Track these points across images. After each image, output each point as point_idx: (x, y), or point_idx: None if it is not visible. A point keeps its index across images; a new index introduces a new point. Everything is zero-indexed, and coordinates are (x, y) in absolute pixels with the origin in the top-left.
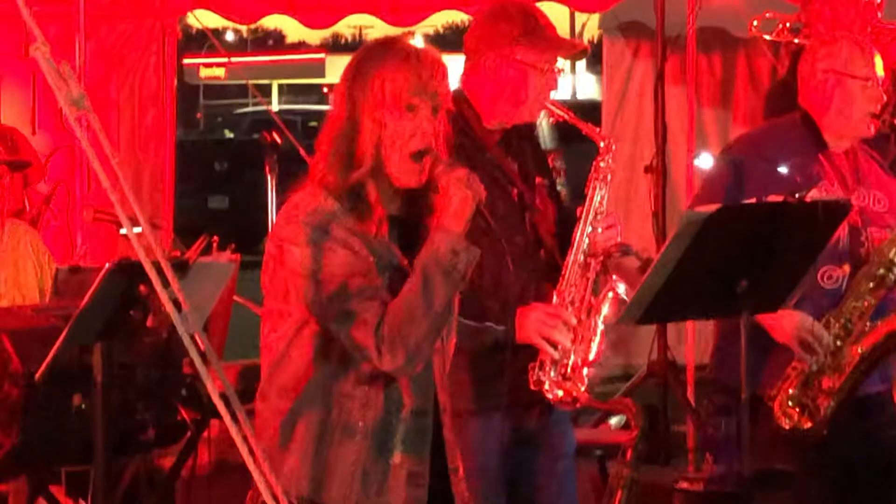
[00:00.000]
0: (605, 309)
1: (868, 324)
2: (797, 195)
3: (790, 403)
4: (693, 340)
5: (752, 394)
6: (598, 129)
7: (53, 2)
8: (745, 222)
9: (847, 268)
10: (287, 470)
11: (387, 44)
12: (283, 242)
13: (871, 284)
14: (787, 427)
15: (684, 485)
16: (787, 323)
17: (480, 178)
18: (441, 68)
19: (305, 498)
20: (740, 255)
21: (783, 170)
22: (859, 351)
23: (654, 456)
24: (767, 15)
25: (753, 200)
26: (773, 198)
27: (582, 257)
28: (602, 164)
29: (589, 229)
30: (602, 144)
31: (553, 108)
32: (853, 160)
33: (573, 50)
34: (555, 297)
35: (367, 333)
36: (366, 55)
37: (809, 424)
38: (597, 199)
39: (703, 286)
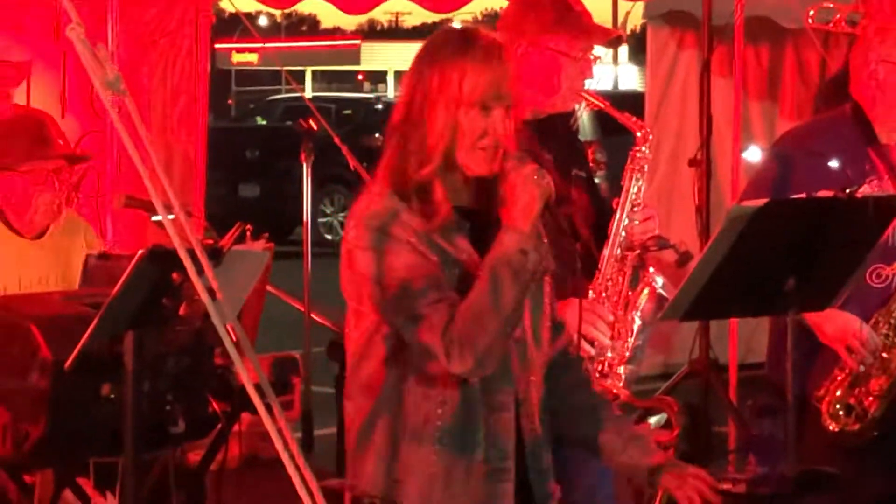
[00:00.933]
0: (643, 304)
1: None
2: (847, 190)
3: (837, 406)
4: (736, 339)
5: (798, 394)
6: (634, 119)
7: None
8: (793, 218)
9: None
10: (366, 470)
11: (467, 36)
12: (351, 247)
13: None
14: (834, 429)
15: (726, 485)
16: (833, 325)
17: None
18: (514, 67)
19: (384, 498)
20: (788, 251)
21: (833, 164)
22: None
23: (694, 456)
24: (826, 5)
25: (803, 195)
26: (822, 193)
27: (619, 251)
28: (639, 155)
29: (626, 222)
30: (639, 134)
31: (589, 97)
32: None
33: (606, 37)
34: (591, 293)
35: (435, 336)
36: (443, 45)
37: (857, 427)
38: (633, 190)
39: (749, 283)
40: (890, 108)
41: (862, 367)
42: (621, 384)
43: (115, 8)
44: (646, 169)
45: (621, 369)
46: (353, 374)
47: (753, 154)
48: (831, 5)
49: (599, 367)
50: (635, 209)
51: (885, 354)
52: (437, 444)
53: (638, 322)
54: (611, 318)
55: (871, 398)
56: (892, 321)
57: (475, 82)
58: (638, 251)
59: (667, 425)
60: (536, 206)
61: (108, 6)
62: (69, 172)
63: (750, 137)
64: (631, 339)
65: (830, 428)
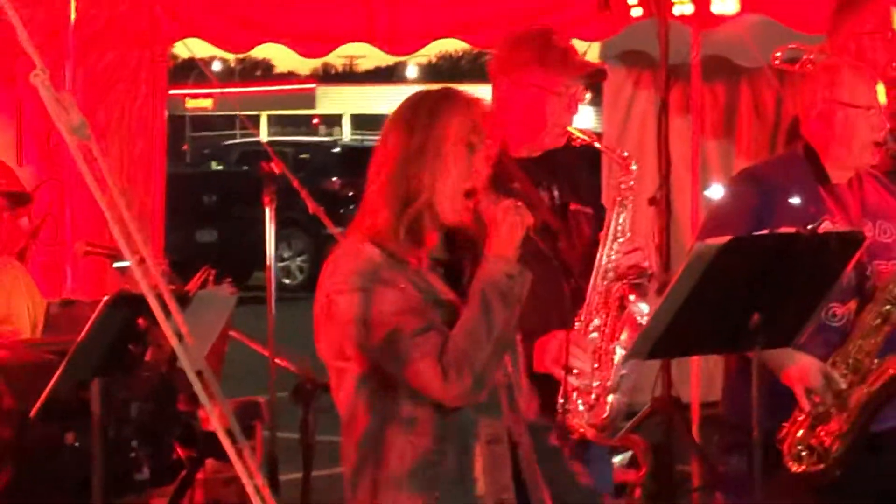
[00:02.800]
0: (626, 334)
1: (875, 362)
2: (809, 227)
3: (799, 446)
4: (698, 377)
5: (760, 430)
6: (619, 152)
7: (41, 29)
8: (756, 254)
9: (853, 304)
10: None
11: (448, 91)
12: (331, 294)
13: (878, 321)
14: (797, 470)
15: None
16: (794, 366)
17: None
18: (490, 116)
19: None
20: (752, 288)
21: (794, 200)
22: (866, 391)
23: (658, 495)
24: (791, 46)
25: (765, 232)
26: (784, 229)
27: (604, 282)
28: (623, 187)
29: (612, 255)
30: (626, 167)
31: (575, 132)
32: (858, 190)
33: (585, 70)
34: (576, 324)
35: (430, 363)
36: (430, 96)
37: (821, 467)
38: (619, 221)
39: (714, 320)
40: (839, 148)
41: (821, 408)
42: (605, 415)
43: (72, 52)
44: (630, 200)
45: (610, 398)
46: (345, 434)
47: (716, 191)
48: (792, 46)
49: (586, 400)
50: (620, 240)
51: (844, 393)
52: (439, 487)
53: (620, 352)
54: (592, 348)
55: (832, 437)
56: (850, 360)
57: (462, 122)
58: (623, 282)
59: (633, 464)
60: (519, 234)
61: (66, 50)
62: (10, 214)
63: (707, 176)
64: (614, 369)
65: (793, 469)
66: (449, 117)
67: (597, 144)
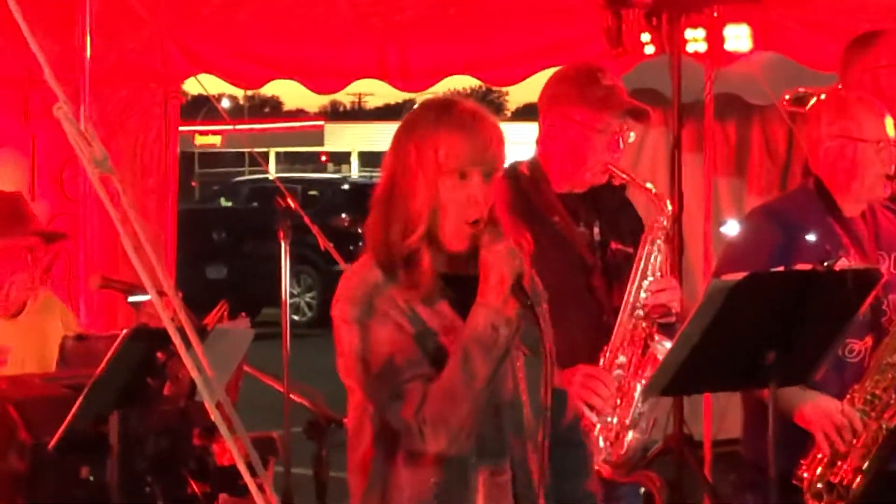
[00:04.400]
0: (648, 373)
1: (893, 397)
2: (826, 263)
3: (819, 484)
4: (710, 415)
5: (779, 471)
6: (655, 191)
7: (56, 65)
8: (772, 291)
9: (869, 340)
10: None
11: (444, 106)
12: (337, 322)
13: (895, 356)
14: None
15: None
16: (812, 408)
17: (541, 242)
18: (497, 134)
19: None
20: (767, 324)
21: (810, 237)
22: (884, 427)
23: None
24: (801, 90)
25: (781, 269)
26: (801, 266)
27: (631, 320)
28: (656, 226)
29: (642, 293)
30: (662, 207)
31: (615, 170)
32: (872, 223)
33: (626, 108)
34: (601, 360)
35: (409, 418)
36: (420, 117)
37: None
38: (649, 260)
39: (730, 357)
40: (851, 182)
41: (842, 448)
42: (623, 452)
43: (86, 87)
44: (662, 239)
45: (629, 436)
46: (350, 452)
47: (730, 227)
48: (801, 89)
49: (608, 435)
50: (649, 279)
51: (863, 430)
52: None
53: (640, 389)
54: (615, 384)
55: (851, 474)
56: (868, 396)
57: (450, 150)
58: (649, 320)
59: (649, 501)
60: (508, 283)
61: (80, 85)
62: (44, 251)
63: (718, 213)
64: (633, 407)
65: None
66: (438, 146)
67: (633, 182)
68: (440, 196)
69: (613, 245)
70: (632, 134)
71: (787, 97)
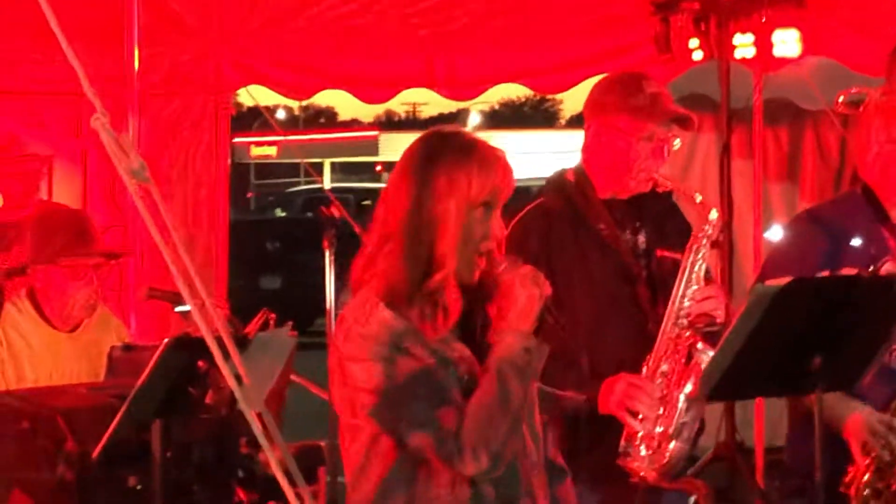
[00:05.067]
0: (691, 383)
1: None
2: (871, 268)
3: (866, 491)
4: (762, 422)
5: (825, 478)
6: (702, 199)
7: (106, 77)
8: (817, 296)
9: None
10: None
11: (466, 139)
12: (343, 359)
13: None
14: None
15: None
16: (850, 422)
17: (586, 250)
18: (510, 169)
19: None
20: (813, 329)
21: (855, 242)
22: None
23: None
24: (854, 90)
25: (826, 273)
26: (846, 271)
27: (675, 328)
28: (700, 234)
29: (685, 301)
30: (706, 214)
31: (660, 178)
32: None
33: (670, 116)
34: (644, 369)
35: (447, 442)
36: (444, 147)
37: None
38: (694, 268)
39: (775, 362)
40: None
41: (886, 454)
42: (665, 461)
43: (136, 100)
44: (707, 247)
45: (671, 445)
46: (354, 489)
47: (776, 233)
48: (855, 90)
49: (649, 444)
50: (694, 287)
51: None
52: None
53: (682, 398)
54: (658, 393)
55: None
56: None
57: (482, 183)
58: (692, 329)
59: None
60: (536, 306)
61: (130, 98)
62: (107, 269)
63: (770, 219)
64: (676, 416)
65: None
66: (469, 181)
67: (678, 190)
68: (466, 234)
69: (659, 252)
70: (677, 141)
71: (840, 99)
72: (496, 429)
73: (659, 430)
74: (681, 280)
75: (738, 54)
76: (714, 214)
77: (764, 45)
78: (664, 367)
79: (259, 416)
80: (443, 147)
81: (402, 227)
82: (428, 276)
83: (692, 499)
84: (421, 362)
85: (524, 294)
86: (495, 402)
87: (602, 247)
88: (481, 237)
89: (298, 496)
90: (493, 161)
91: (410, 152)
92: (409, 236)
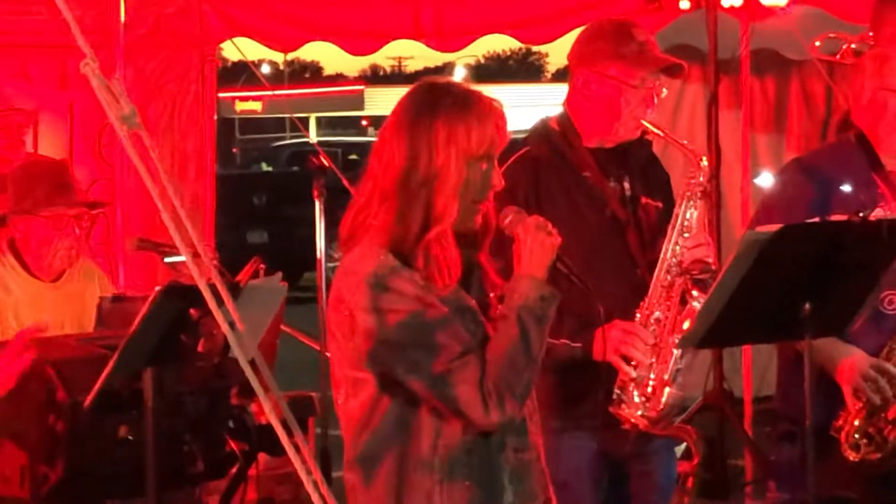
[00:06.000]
0: (686, 327)
1: None
2: (861, 214)
3: (857, 435)
4: (750, 371)
5: (815, 423)
6: (691, 148)
7: (92, 30)
8: (807, 243)
9: None
10: None
11: (462, 91)
12: (353, 311)
13: None
14: (854, 459)
15: None
16: (843, 365)
17: (574, 197)
18: (505, 119)
19: None
20: (803, 276)
21: (845, 188)
22: None
23: (710, 489)
24: (831, 35)
25: (816, 220)
26: (836, 217)
27: (668, 276)
28: (692, 181)
29: (677, 249)
30: (697, 162)
31: (649, 125)
32: None
33: (662, 64)
34: (637, 316)
35: (471, 390)
36: (440, 100)
37: (878, 455)
38: (687, 216)
39: (765, 309)
40: (891, 135)
41: (877, 398)
42: (660, 408)
43: (122, 52)
44: (699, 196)
45: (666, 392)
46: (356, 444)
47: (765, 179)
48: (833, 35)
49: (643, 391)
50: (686, 235)
51: None
52: (469, 495)
53: (677, 344)
54: (652, 340)
55: (890, 426)
56: None
57: (482, 135)
58: (685, 276)
59: (686, 454)
60: (550, 254)
61: (116, 51)
62: (88, 218)
63: (757, 169)
64: (671, 363)
65: (850, 458)
66: (469, 134)
67: (668, 138)
68: (466, 188)
69: (644, 200)
70: (664, 89)
71: (817, 44)
72: (520, 376)
73: (654, 376)
74: (673, 228)
75: (725, 3)
76: (705, 161)
77: None
78: (657, 314)
79: (252, 363)
80: (439, 99)
81: (399, 181)
82: (427, 230)
83: (683, 445)
84: (437, 311)
85: (536, 243)
86: (518, 349)
87: (589, 194)
88: (481, 189)
89: (296, 446)
90: (491, 112)
91: (404, 105)
92: (408, 190)
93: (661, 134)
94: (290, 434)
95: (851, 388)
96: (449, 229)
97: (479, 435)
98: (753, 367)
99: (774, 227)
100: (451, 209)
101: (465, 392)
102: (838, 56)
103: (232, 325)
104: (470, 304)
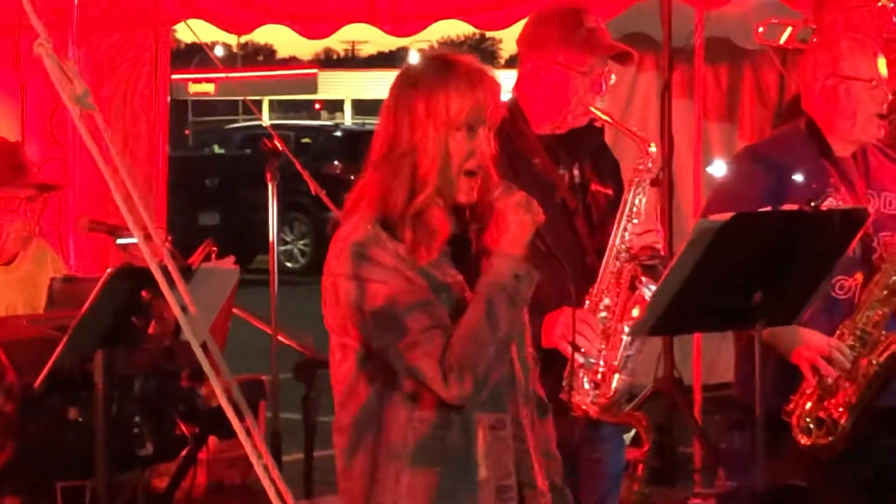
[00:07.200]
0: (635, 313)
1: (883, 334)
2: (812, 203)
3: (808, 419)
4: (699, 359)
5: (767, 408)
6: (639, 134)
7: (46, 9)
8: (759, 231)
9: (859, 277)
10: (370, 500)
11: (446, 61)
12: (336, 277)
13: (885, 293)
14: (805, 443)
15: (697, 501)
16: (804, 347)
17: (522, 184)
18: (499, 89)
19: None
20: (754, 265)
21: (797, 177)
22: (874, 363)
23: (659, 476)
24: (774, 21)
25: (768, 209)
26: (788, 206)
27: (616, 262)
28: (640, 167)
29: (626, 235)
30: (645, 148)
31: (597, 111)
32: (862, 163)
33: (612, 51)
34: (586, 303)
35: (432, 364)
36: (425, 72)
37: (829, 440)
38: (634, 202)
39: (717, 297)
40: (842, 122)
41: (829, 381)
42: (610, 394)
43: (75, 32)
44: (647, 182)
45: (615, 378)
46: (344, 407)
47: (718, 168)
48: (776, 21)
49: (593, 378)
50: (635, 221)
51: (852, 366)
52: (439, 466)
53: (627, 331)
54: (600, 326)
55: (840, 410)
56: (858, 332)
57: (461, 104)
58: (634, 262)
59: (636, 441)
60: (527, 232)
61: (69, 30)
62: (41, 201)
63: (709, 158)
64: (620, 349)
65: (802, 442)
66: (448, 100)
67: (616, 124)
68: (450, 150)
69: (594, 186)
70: (613, 76)
71: (760, 30)
72: (483, 353)
73: (603, 363)
74: (622, 214)
75: None
76: (653, 147)
77: None
78: (607, 301)
79: (203, 346)
80: (421, 72)
81: (384, 153)
82: (413, 201)
83: (632, 432)
84: (412, 283)
85: (516, 220)
86: (483, 327)
87: (538, 181)
88: (465, 158)
89: (247, 428)
90: (475, 80)
91: (395, 81)
92: (392, 162)
93: (610, 121)
94: (240, 417)
95: (809, 366)
96: (439, 201)
97: (451, 413)
98: (703, 355)
99: (727, 216)
100: (433, 177)
101: (427, 365)
102: (781, 42)
103: (184, 308)
104: (454, 279)
